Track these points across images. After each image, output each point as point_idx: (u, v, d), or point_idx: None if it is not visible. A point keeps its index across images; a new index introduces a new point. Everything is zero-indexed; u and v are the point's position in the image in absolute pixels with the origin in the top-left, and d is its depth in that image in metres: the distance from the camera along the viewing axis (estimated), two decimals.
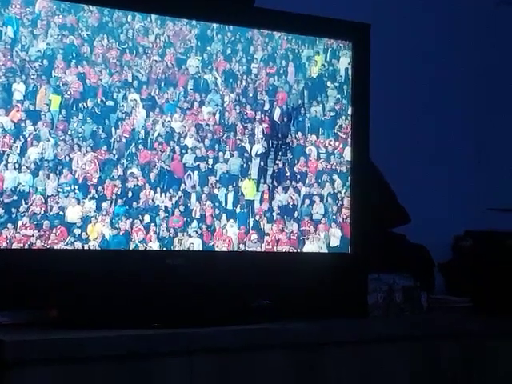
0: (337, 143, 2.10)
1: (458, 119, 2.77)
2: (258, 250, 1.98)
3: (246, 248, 1.96)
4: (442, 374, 2.05)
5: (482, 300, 2.24)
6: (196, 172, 1.93)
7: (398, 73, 2.61)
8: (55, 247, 1.77)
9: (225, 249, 1.94)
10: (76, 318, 1.73)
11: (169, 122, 1.91)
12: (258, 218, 1.99)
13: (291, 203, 2.03)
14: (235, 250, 1.95)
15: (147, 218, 1.87)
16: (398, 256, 2.26)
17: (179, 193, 1.91)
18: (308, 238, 2.04)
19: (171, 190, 1.90)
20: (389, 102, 2.49)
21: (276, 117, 2.03)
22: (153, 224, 1.87)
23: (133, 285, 1.80)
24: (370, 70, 2.11)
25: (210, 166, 1.95)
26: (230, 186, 1.97)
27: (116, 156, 1.85)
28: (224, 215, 1.95)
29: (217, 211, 1.94)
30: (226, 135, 1.97)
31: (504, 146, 2.84)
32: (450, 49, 2.77)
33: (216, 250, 1.94)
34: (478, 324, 2.12)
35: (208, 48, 1.97)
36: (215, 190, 1.95)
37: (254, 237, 1.98)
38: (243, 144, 1.99)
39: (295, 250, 2.02)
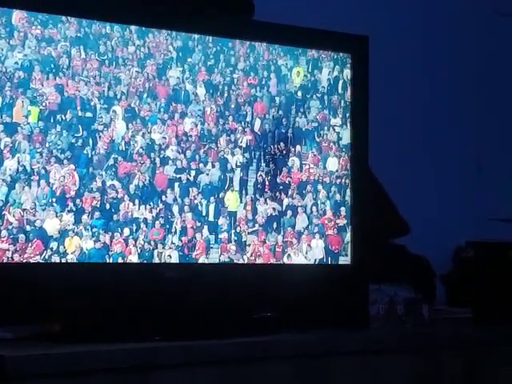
0: (320, 154, 2.08)
1: (457, 129, 2.77)
2: (259, 262, 1.97)
3: (227, 260, 1.95)
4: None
5: (484, 311, 2.24)
6: (177, 184, 1.92)
7: (396, 84, 2.60)
8: (52, 261, 1.76)
9: (214, 261, 1.93)
10: (76, 332, 1.73)
11: (149, 133, 1.90)
12: (239, 229, 1.97)
13: (273, 214, 2.01)
14: (231, 262, 1.94)
15: (127, 231, 1.85)
16: (399, 267, 2.25)
17: (160, 205, 1.89)
18: (291, 250, 2.02)
19: (151, 203, 1.88)
20: (388, 112, 2.48)
21: (258, 128, 2.02)
22: (132, 237, 1.86)
23: (132, 298, 1.80)
24: (369, 80, 2.12)
25: (191, 178, 1.93)
26: (212, 198, 1.95)
27: (95, 168, 1.83)
28: (206, 227, 1.94)
29: (198, 223, 1.93)
30: (207, 146, 1.96)
31: (504, 155, 2.83)
32: (449, 59, 2.77)
33: (218, 262, 1.93)
34: (479, 335, 2.12)
35: (189, 59, 1.96)
36: (196, 202, 1.93)
37: (233, 248, 1.96)
38: (225, 155, 1.98)
39: (278, 262, 2.00)
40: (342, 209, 2.09)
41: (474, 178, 2.76)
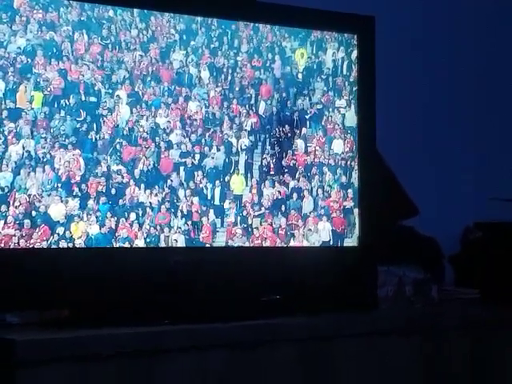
0: (325, 136, 2.07)
1: (467, 110, 2.75)
2: (267, 245, 1.97)
3: (233, 243, 1.94)
4: (452, 365, 2.05)
5: (491, 291, 2.24)
6: (182, 168, 1.91)
7: (402, 66, 2.58)
8: (60, 246, 1.76)
9: (220, 245, 1.92)
10: (86, 316, 1.72)
11: (153, 117, 1.89)
12: (245, 212, 1.96)
13: (279, 197, 2.00)
14: (238, 245, 1.94)
15: (133, 216, 1.85)
16: (408, 248, 2.25)
17: (165, 189, 1.89)
18: (296, 233, 2.01)
19: (157, 187, 1.88)
20: (394, 95, 2.47)
21: (262, 111, 2.01)
22: (138, 221, 1.85)
23: (139, 283, 1.80)
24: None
25: (196, 162, 1.92)
26: (218, 181, 1.94)
27: (99, 153, 1.82)
28: (211, 211, 1.93)
29: (203, 207, 1.92)
30: (212, 130, 1.95)
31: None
32: (454, 44, 2.75)
33: (225, 245, 1.93)
34: (487, 315, 2.12)
35: (192, 42, 1.94)
36: (201, 186, 1.92)
37: (240, 232, 1.95)
38: (230, 139, 1.97)
39: (286, 245, 2.00)
40: (349, 191, 2.08)
41: (483, 158, 2.75)
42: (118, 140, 1.84)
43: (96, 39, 1.84)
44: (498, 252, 2.30)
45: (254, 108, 2.00)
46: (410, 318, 2.03)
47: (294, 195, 2.02)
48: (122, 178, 1.84)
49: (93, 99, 1.83)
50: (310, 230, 2.03)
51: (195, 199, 1.91)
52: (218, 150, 1.95)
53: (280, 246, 1.99)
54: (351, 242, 2.08)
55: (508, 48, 2.86)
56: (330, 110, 2.08)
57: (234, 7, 2.00)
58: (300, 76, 2.06)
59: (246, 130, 1.98)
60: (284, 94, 2.03)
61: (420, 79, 2.63)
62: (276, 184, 2.01)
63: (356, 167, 2.09)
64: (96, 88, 1.83)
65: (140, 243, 1.85)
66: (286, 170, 2.02)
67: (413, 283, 2.13)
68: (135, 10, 1.88)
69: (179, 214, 1.89)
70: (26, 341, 1.55)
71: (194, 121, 1.93)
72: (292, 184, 2.02)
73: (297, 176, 2.03)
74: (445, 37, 2.73)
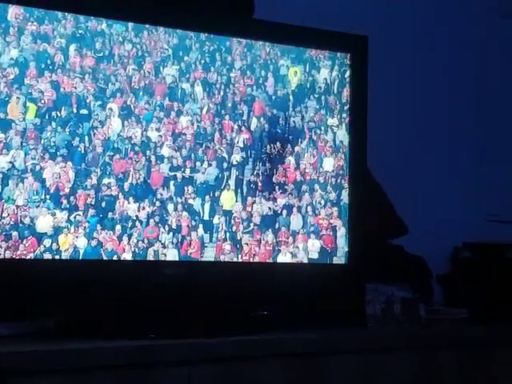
0: (316, 154, 2.08)
1: (457, 129, 2.76)
2: (255, 260, 1.97)
3: (222, 259, 1.94)
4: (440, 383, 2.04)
5: (480, 311, 2.23)
6: (172, 182, 1.91)
7: (395, 83, 2.59)
8: (47, 257, 1.76)
9: (209, 259, 1.93)
10: (72, 328, 1.73)
11: (145, 131, 1.89)
12: (234, 228, 1.97)
13: (269, 213, 2.01)
14: (227, 261, 1.94)
15: (121, 229, 1.85)
16: (396, 267, 2.24)
17: (156, 203, 1.89)
18: (284, 249, 2.02)
19: (146, 201, 1.88)
20: (387, 112, 2.47)
21: (254, 127, 2.01)
22: (126, 234, 1.85)
23: (129, 295, 1.80)
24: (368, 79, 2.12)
25: (186, 176, 1.93)
26: (207, 197, 1.95)
27: (89, 165, 1.83)
28: (201, 226, 1.93)
29: (193, 222, 1.92)
30: (204, 145, 1.95)
31: (503, 156, 2.82)
32: (448, 57, 2.75)
33: (213, 260, 1.93)
34: (475, 335, 2.11)
35: (186, 57, 1.95)
36: (191, 201, 1.93)
37: (228, 247, 1.95)
38: (222, 154, 1.97)
39: (274, 261, 2.00)
40: (338, 209, 2.09)
41: (472, 178, 2.76)
42: (108, 153, 1.85)
43: (89, 52, 1.85)
44: (487, 272, 2.30)
45: (246, 124, 2.00)
46: (397, 336, 2.03)
47: (284, 212, 2.03)
48: (111, 190, 1.85)
49: (84, 112, 1.83)
50: (297, 247, 2.03)
51: (184, 214, 1.91)
52: (210, 165, 1.95)
53: (268, 262, 2.00)
54: (339, 259, 2.08)
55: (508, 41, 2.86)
56: (322, 128, 2.09)
57: (229, 24, 2.01)
58: (293, 94, 2.06)
59: (237, 146, 1.99)
60: (276, 112, 2.04)
61: (411, 98, 2.64)
62: (266, 200, 2.01)
63: (346, 185, 2.10)
64: (88, 100, 1.84)
65: (128, 256, 1.85)
66: (276, 187, 2.02)
67: (401, 302, 2.12)
68: (129, 24, 1.89)
69: (167, 228, 1.89)
70: (12, 353, 1.55)
71: (186, 135, 1.94)
72: (282, 201, 2.03)
73: (287, 193, 2.03)
74: (439, 56, 2.74)
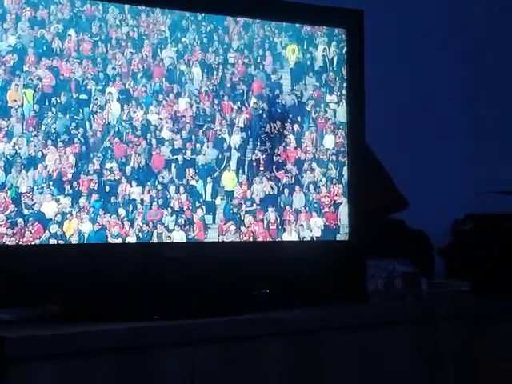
0: (316, 131, 2.08)
1: (455, 103, 2.75)
2: (255, 239, 1.97)
3: (225, 239, 1.95)
4: (443, 357, 2.06)
5: (482, 283, 2.24)
6: (173, 164, 1.91)
7: (393, 57, 2.59)
8: (51, 243, 1.76)
9: (211, 240, 1.93)
10: (76, 312, 1.73)
11: (144, 114, 1.89)
12: (236, 209, 1.97)
13: (271, 193, 2.01)
14: (229, 241, 1.94)
15: (124, 212, 1.85)
16: (397, 242, 2.25)
17: (158, 186, 1.89)
18: (289, 228, 2.02)
19: (149, 184, 1.88)
20: (385, 86, 2.47)
21: (254, 106, 2.01)
22: (130, 218, 1.85)
23: (131, 278, 1.80)
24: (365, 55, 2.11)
25: (187, 158, 1.93)
26: (209, 178, 1.95)
27: (91, 150, 1.82)
28: (203, 207, 1.94)
29: (196, 204, 1.93)
30: (205, 127, 1.95)
31: (503, 127, 2.83)
32: (448, 30, 2.75)
33: (214, 240, 1.93)
34: (478, 307, 2.13)
35: (183, 39, 1.94)
36: (193, 182, 1.93)
37: (233, 228, 1.96)
38: (222, 135, 1.97)
39: (276, 240, 2.00)
40: (339, 186, 2.09)
41: (472, 150, 2.76)
42: (109, 137, 1.85)
43: (86, 36, 1.84)
44: (489, 243, 2.30)
45: (245, 104, 2.00)
46: (400, 310, 2.04)
47: (286, 191, 2.03)
48: (114, 175, 1.84)
49: (84, 96, 1.83)
50: (301, 225, 2.04)
51: (186, 196, 1.92)
52: (210, 146, 1.95)
53: (271, 240, 2.00)
54: (341, 236, 2.09)
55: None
56: (322, 105, 2.09)
57: (224, 2, 2.00)
58: (291, 72, 2.06)
59: (237, 127, 1.99)
60: (275, 90, 2.04)
61: (409, 73, 2.64)
62: (267, 180, 2.01)
63: (346, 162, 2.10)
64: (87, 86, 1.83)
65: (132, 240, 1.85)
66: (277, 166, 2.02)
67: (402, 276, 2.13)
68: (126, 7, 1.88)
69: (170, 210, 1.90)
70: (16, 338, 1.56)
71: (185, 117, 1.93)
72: (283, 180, 2.03)
73: (288, 171, 2.04)
74: (437, 31, 2.74)
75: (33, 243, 1.75)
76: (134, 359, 1.67)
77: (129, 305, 1.77)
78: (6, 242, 1.72)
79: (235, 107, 1.99)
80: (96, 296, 1.76)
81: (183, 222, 1.91)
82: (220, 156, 1.96)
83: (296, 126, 2.06)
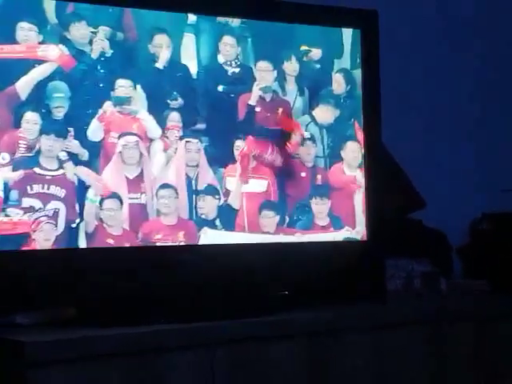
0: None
1: (471, 103, 2.74)
2: (273, 241, 1.97)
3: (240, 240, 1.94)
4: (461, 356, 2.05)
5: (501, 282, 2.23)
6: None
7: (407, 57, 2.58)
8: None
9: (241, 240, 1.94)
10: (92, 316, 1.72)
11: None
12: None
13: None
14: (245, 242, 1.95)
15: None
16: (415, 241, 2.25)
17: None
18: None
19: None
20: (401, 87, 2.47)
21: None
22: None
23: (148, 281, 1.79)
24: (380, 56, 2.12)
25: None
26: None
27: None
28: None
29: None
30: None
31: None
32: (460, 30, 2.74)
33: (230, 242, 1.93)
34: (496, 306, 2.13)
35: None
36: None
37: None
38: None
39: (295, 241, 2.00)
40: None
41: (488, 149, 2.75)
42: None
43: None
44: (507, 242, 2.29)
45: None
46: (419, 310, 2.03)
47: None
48: None
49: None
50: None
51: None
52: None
53: (288, 241, 2.00)
54: (360, 236, 2.09)
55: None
56: None
57: (238, 5, 1.99)
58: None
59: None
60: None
61: (424, 74, 2.63)
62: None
63: (363, 162, 2.10)
64: None
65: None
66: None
67: (421, 276, 2.13)
68: None
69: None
70: (34, 342, 1.56)
71: None
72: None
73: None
74: (456, 32, 2.73)
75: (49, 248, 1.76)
76: (151, 362, 1.66)
77: (146, 308, 1.75)
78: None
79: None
80: (112, 300, 1.76)
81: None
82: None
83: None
